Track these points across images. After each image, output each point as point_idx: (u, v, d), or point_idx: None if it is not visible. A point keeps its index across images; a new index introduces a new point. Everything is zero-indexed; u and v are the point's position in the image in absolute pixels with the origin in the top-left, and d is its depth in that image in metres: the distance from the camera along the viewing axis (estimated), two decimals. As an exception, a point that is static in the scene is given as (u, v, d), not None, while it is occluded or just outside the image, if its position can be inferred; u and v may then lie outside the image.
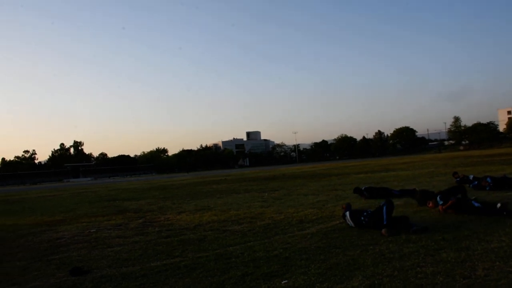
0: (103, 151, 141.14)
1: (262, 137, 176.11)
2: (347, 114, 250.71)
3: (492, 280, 4.24)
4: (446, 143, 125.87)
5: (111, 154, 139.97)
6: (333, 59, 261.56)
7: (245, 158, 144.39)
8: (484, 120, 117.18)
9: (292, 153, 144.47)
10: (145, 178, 72.54)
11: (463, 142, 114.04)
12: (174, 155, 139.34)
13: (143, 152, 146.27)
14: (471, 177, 13.15)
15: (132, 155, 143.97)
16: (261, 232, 8.03)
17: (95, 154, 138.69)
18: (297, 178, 28.67)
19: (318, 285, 4.58)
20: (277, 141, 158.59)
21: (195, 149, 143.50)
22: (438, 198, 8.62)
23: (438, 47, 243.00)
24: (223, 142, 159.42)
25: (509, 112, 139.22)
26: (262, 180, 29.89)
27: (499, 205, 7.21)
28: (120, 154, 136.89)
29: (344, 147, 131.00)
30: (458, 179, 13.89)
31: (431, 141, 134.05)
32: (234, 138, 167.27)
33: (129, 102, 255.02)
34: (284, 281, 4.81)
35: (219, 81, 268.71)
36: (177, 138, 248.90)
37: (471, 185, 12.19)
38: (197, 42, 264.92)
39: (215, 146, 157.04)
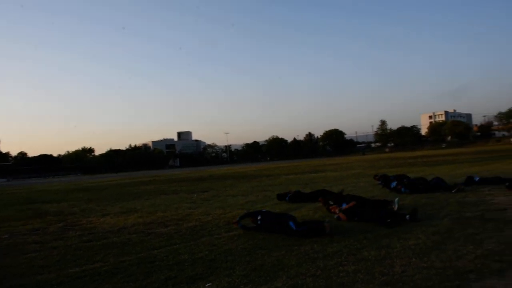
0: (23, 150, 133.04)
1: (194, 138, 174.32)
2: (279, 115, 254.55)
3: (408, 276, 4.42)
4: (373, 145, 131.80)
5: (32, 153, 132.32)
6: (265, 60, 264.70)
7: (176, 158, 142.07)
8: (408, 124, 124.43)
9: (224, 154, 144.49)
10: (70, 179, 69.14)
11: (389, 145, 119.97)
12: (102, 155, 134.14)
13: (68, 152, 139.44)
14: (391, 177, 13.71)
15: (55, 154, 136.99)
16: (188, 234, 7.88)
17: (13, 153, 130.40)
18: (227, 179, 28.63)
19: (242, 286, 4.55)
20: (208, 141, 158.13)
21: (124, 149, 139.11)
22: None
23: (365, 50, 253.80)
24: (153, 142, 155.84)
25: (430, 117, 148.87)
26: (191, 181, 29.57)
27: (408, 217, 7.44)
28: (42, 153, 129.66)
29: (276, 148, 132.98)
30: (380, 182, 14.22)
31: (359, 143, 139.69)
32: (164, 138, 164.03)
33: (52, 100, 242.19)
34: (208, 284, 4.72)
35: (148, 80, 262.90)
36: (104, 138, 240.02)
37: (390, 187, 12.55)
38: (128, 41, 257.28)
39: (145, 146, 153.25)
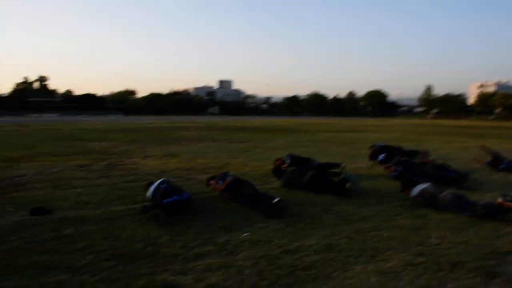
0: (69, 89, 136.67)
1: (234, 87, 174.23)
2: (321, 72, 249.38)
3: (443, 249, 4.40)
4: (416, 110, 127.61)
5: (77, 92, 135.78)
6: (310, 16, 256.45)
7: (215, 106, 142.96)
8: (455, 92, 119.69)
9: (263, 105, 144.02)
10: (111, 119, 70.94)
11: (433, 111, 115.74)
12: (143, 98, 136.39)
13: (112, 92, 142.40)
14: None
15: (99, 94, 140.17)
16: (226, 184, 8.04)
17: (61, 90, 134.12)
18: (266, 131, 28.77)
19: (277, 240, 4.66)
20: (249, 91, 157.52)
21: (165, 93, 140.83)
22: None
23: (422, 13, 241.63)
24: (195, 89, 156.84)
25: (481, 86, 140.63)
26: (230, 130, 29.89)
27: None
28: (87, 92, 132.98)
29: (315, 104, 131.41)
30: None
31: (402, 106, 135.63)
32: (205, 86, 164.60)
33: (98, 40, 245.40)
34: (244, 234, 4.87)
35: (191, 25, 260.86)
36: (146, 81, 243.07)
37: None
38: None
39: (186, 91, 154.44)
